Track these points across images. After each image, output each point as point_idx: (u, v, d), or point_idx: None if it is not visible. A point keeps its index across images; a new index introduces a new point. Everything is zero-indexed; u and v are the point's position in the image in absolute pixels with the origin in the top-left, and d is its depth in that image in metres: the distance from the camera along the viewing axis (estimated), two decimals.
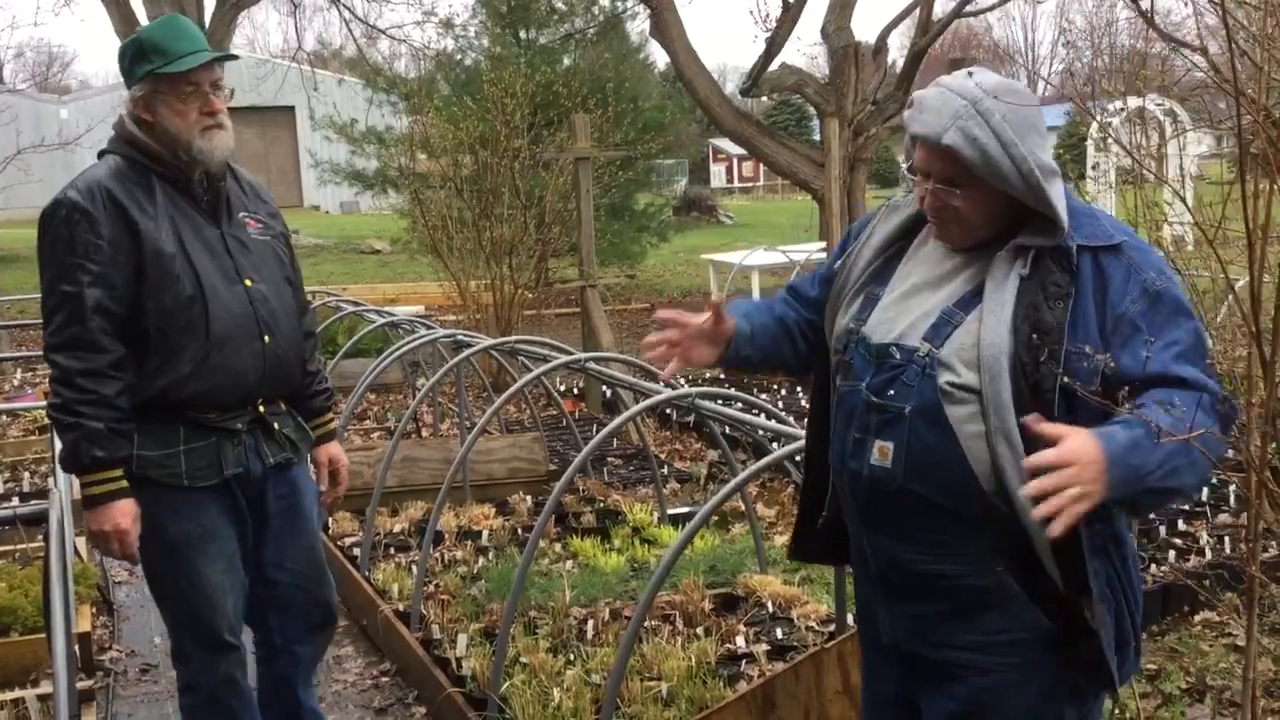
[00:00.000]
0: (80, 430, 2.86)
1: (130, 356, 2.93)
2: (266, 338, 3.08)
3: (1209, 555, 5.10)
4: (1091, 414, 2.01)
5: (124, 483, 2.92)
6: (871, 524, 2.25)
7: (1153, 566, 4.99)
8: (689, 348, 2.41)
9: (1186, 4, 3.13)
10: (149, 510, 2.98)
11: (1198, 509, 5.80)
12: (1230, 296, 2.87)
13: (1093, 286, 2.08)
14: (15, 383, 10.07)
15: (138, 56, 2.99)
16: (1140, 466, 1.91)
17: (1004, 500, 2.07)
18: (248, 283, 3.07)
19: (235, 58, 3.40)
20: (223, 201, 3.11)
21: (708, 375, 10.78)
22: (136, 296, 2.92)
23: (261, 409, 3.12)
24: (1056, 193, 2.09)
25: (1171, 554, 5.09)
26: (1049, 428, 1.91)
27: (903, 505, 2.17)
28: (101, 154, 3.07)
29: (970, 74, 2.14)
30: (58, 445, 5.02)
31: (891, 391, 2.16)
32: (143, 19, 16.51)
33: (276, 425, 3.17)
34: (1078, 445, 1.89)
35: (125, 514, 2.92)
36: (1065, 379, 2.03)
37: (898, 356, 2.17)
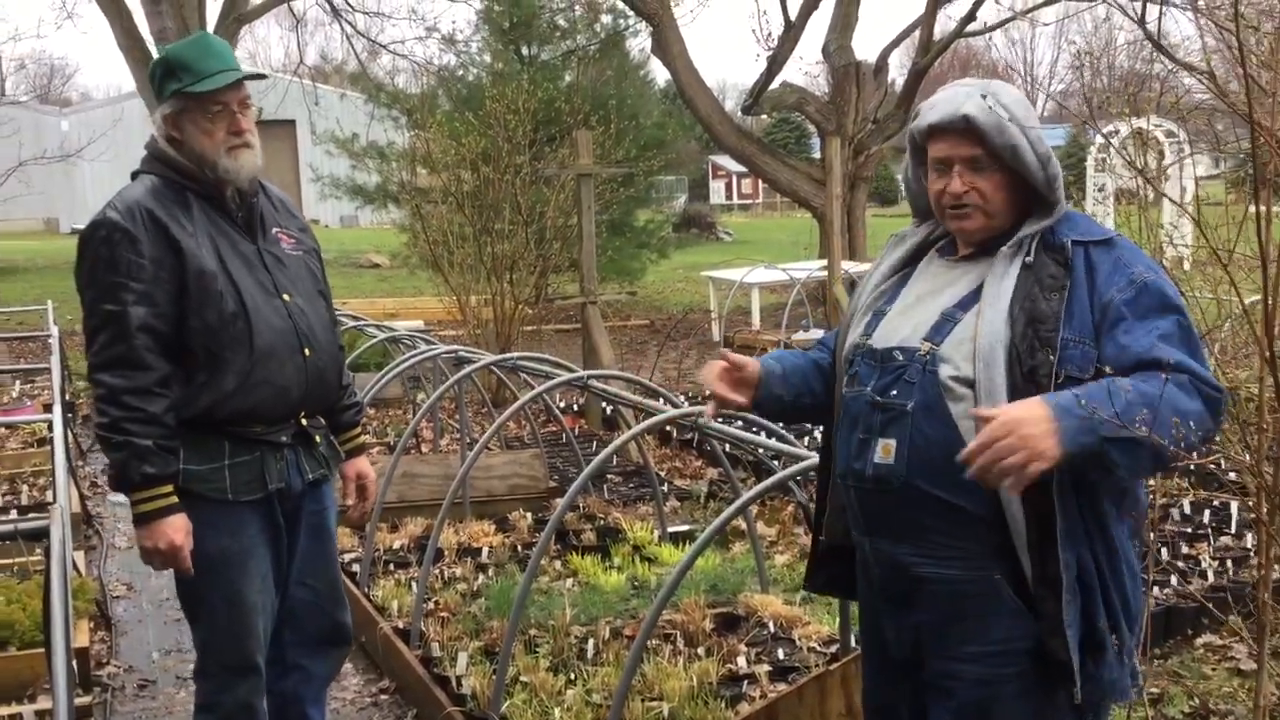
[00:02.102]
0: (130, 448, 2.85)
1: (175, 373, 2.94)
2: (307, 351, 3.10)
3: (1211, 578, 5.08)
4: None
5: (174, 498, 2.92)
6: (873, 527, 2.32)
7: (1155, 589, 4.96)
8: (720, 391, 2.51)
9: (1190, 24, 3.14)
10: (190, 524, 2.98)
11: (1200, 531, 5.79)
12: (1230, 318, 2.87)
13: (1085, 278, 2.18)
14: (14, 395, 10.03)
15: (166, 74, 3.00)
16: (1092, 415, 1.96)
17: (993, 491, 2.12)
18: (286, 297, 3.09)
19: (264, 76, 3.41)
20: (257, 217, 3.13)
21: (708, 394, 10.76)
22: (180, 314, 2.93)
23: (304, 421, 3.15)
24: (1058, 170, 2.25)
25: (1174, 577, 5.07)
26: (984, 410, 2.02)
27: (904, 503, 2.23)
28: (135, 174, 3.08)
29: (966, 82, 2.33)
30: (59, 458, 5.02)
31: (894, 391, 2.25)
32: (145, 33, 16.55)
33: (318, 438, 3.20)
34: (1017, 412, 1.98)
35: (178, 529, 2.92)
36: (1060, 367, 2.10)
37: (900, 358, 2.26)
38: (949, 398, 2.18)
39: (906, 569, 2.27)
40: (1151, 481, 6.03)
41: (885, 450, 2.23)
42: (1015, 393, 2.10)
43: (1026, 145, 2.21)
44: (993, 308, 2.18)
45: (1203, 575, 5.14)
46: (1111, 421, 1.95)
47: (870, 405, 2.27)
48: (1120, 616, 2.19)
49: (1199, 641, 4.71)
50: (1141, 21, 2.87)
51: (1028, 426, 1.95)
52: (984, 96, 2.23)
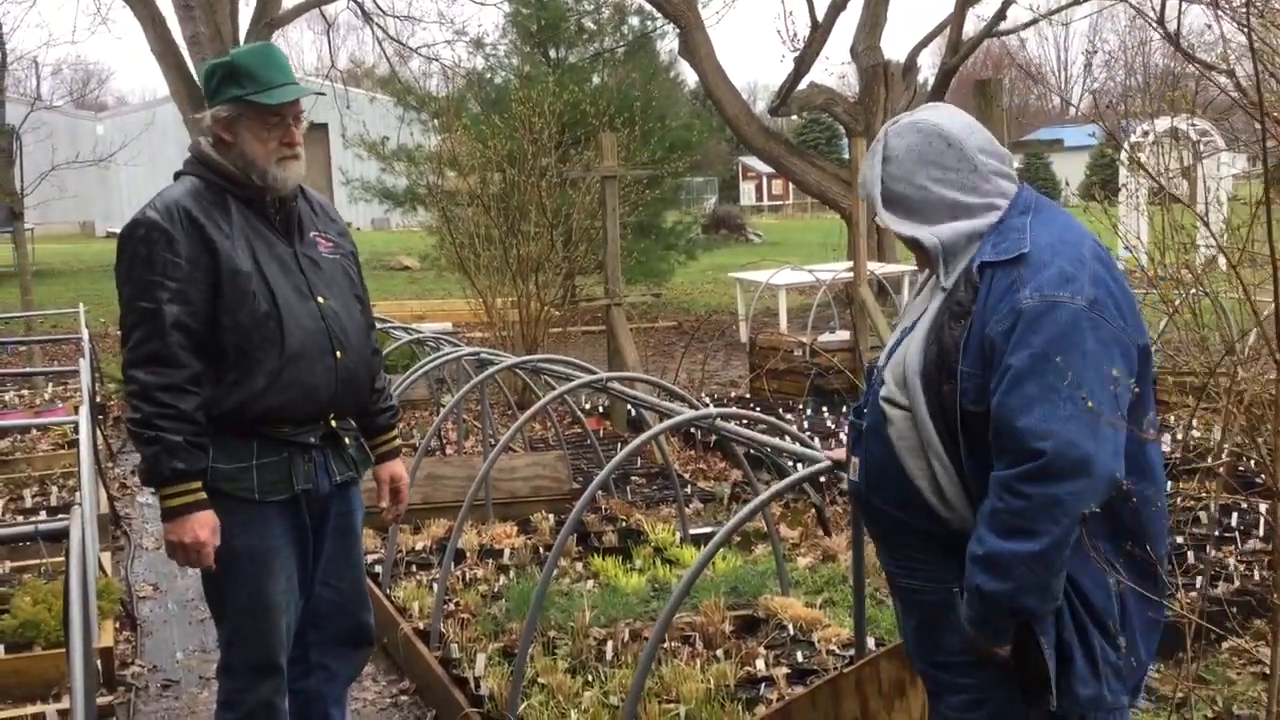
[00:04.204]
0: (160, 444, 2.90)
1: (207, 372, 2.98)
2: (339, 353, 3.13)
3: (1238, 582, 5.02)
4: (985, 434, 2.12)
5: (203, 494, 2.96)
6: (869, 535, 2.48)
7: (1180, 593, 4.91)
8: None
9: (1213, 25, 3.11)
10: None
11: (1227, 535, 5.72)
12: (1259, 323, 2.84)
13: (982, 305, 2.15)
14: (46, 397, 10.15)
15: (227, 78, 3.05)
16: (992, 617, 2.14)
17: (947, 509, 2.19)
18: (320, 299, 3.13)
19: (323, 94, 3.48)
20: (295, 221, 3.18)
21: (733, 395, 10.75)
22: (213, 313, 2.98)
23: (333, 423, 3.18)
24: (916, 219, 2.25)
25: (1199, 580, 5.01)
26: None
27: (871, 517, 2.36)
28: (178, 175, 3.14)
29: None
30: (85, 459, 5.08)
31: (865, 410, 2.36)
32: (178, 37, 16.69)
33: (346, 440, 3.23)
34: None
35: (205, 525, 2.95)
36: (960, 399, 2.14)
37: (873, 379, 2.37)
38: (885, 418, 2.26)
39: (892, 576, 2.39)
40: (1179, 484, 5.98)
41: (854, 468, 2.35)
42: (936, 420, 2.16)
43: (877, 198, 2.29)
44: (918, 336, 2.24)
45: (1229, 579, 5.08)
46: (1010, 604, 2.11)
47: (850, 423, 2.41)
48: (1091, 631, 2.18)
49: (1224, 645, 4.65)
50: (1161, 20, 2.85)
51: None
52: (887, 134, 2.32)
